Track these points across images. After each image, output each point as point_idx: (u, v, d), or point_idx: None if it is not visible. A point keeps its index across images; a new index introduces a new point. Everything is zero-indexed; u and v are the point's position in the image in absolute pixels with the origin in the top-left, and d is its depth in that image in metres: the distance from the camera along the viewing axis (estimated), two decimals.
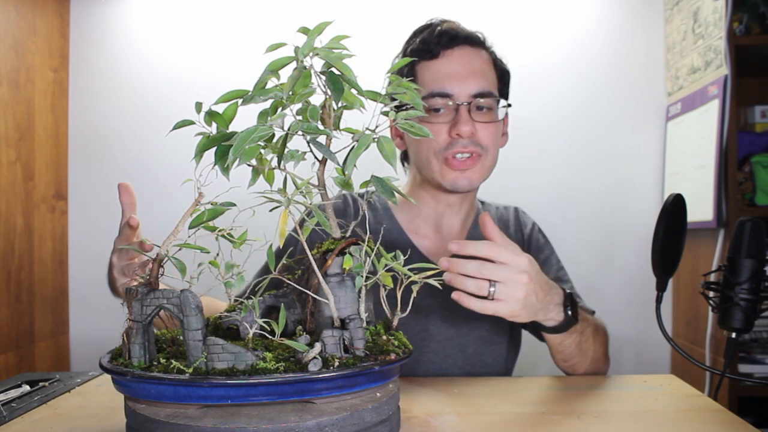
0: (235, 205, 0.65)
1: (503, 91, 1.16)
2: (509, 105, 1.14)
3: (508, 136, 1.21)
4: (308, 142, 0.63)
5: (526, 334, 1.23)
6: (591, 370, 1.05)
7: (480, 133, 1.07)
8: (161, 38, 2.10)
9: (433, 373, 1.12)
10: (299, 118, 0.65)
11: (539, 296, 0.87)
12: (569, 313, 0.92)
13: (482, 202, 1.28)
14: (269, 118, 0.63)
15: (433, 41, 1.10)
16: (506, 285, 0.84)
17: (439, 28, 1.12)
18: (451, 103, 1.07)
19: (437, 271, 0.72)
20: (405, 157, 1.23)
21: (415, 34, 1.16)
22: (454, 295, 0.85)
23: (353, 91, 0.65)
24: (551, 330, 0.94)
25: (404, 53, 1.16)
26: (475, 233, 1.20)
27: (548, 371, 1.09)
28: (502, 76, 1.15)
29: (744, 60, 1.65)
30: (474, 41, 1.12)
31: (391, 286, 0.68)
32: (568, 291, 0.94)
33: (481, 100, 1.08)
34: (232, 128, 0.66)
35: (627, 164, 2.05)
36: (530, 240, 1.23)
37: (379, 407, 0.63)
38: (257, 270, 1.12)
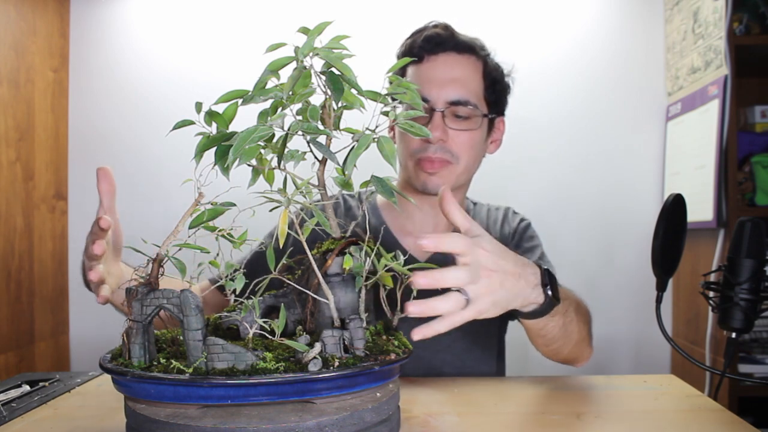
0: (235, 205, 0.65)
1: (493, 99, 1.14)
2: (486, 115, 1.12)
3: (498, 143, 1.20)
4: (308, 142, 0.63)
5: (509, 336, 1.23)
6: (574, 355, 1.00)
7: (452, 141, 1.08)
8: (161, 38, 2.10)
9: (422, 369, 1.12)
10: (299, 118, 0.65)
11: (507, 285, 0.74)
12: (550, 293, 0.79)
13: (474, 203, 1.28)
14: (269, 118, 0.63)
15: (418, 45, 1.11)
16: (473, 286, 0.70)
17: (427, 32, 1.12)
18: (427, 108, 1.07)
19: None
20: None
21: (410, 36, 1.16)
22: (422, 332, 0.68)
23: (353, 91, 0.65)
24: (531, 315, 0.82)
25: (397, 54, 1.17)
26: None
27: (540, 371, 1.09)
28: (493, 84, 1.13)
29: (744, 60, 1.65)
30: (462, 48, 1.11)
31: (392, 286, 0.68)
32: (544, 267, 0.81)
33: (459, 108, 1.08)
34: (232, 128, 0.66)
35: (627, 164, 2.06)
36: (516, 232, 1.22)
37: (379, 407, 0.63)
38: (246, 257, 1.12)
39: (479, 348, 1.16)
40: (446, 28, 1.14)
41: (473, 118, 1.10)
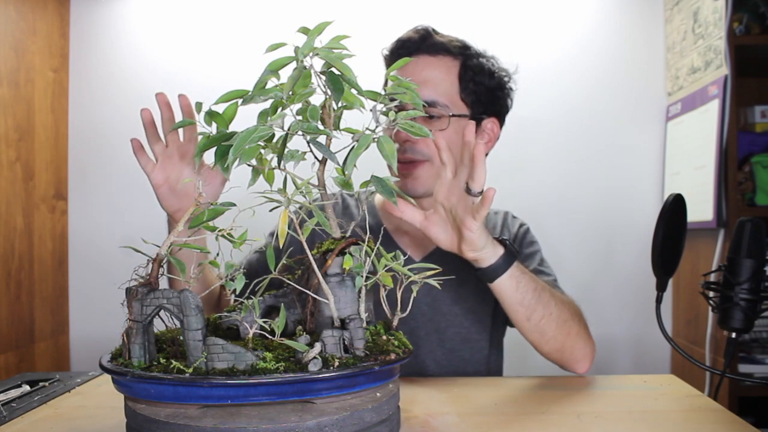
0: (235, 205, 0.65)
1: (472, 100, 1.12)
2: (454, 115, 1.10)
3: (490, 146, 1.17)
4: (308, 142, 0.63)
5: (508, 336, 1.23)
6: (568, 345, 1.00)
7: (422, 141, 1.08)
8: (161, 38, 2.10)
9: (409, 366, 1.12)
10: (299, 118, 0.65)
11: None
12: (506, 240, 0.93)
13: None
14: (269, 118, 0.63)
15: (391, 50, 1.14)
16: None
17: (401, 37, 1.14)
18: None
19: (437, 271, 0.72)
20: None
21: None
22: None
23: (353, 91, 0.65)
24: (495, 269, 0.91)
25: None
26: None
27: (538, 371, 1.09)
28: (471, 84, 1.12)
29: (744, 60, 1.65)
30: (435, 50, 1.11)
31: (392, 286, 0.68)
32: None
33: (428, 109, 1.08)
34: (232, 128, 0.66)
35: (627, 164, 2.05)
36: (516, 237, 1.22)
37: (379, 407, 0.63)
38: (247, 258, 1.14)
39: (468, 349, 1.15)
40: (422, 31, 1.13)
41: (442, 119, 1.10)
